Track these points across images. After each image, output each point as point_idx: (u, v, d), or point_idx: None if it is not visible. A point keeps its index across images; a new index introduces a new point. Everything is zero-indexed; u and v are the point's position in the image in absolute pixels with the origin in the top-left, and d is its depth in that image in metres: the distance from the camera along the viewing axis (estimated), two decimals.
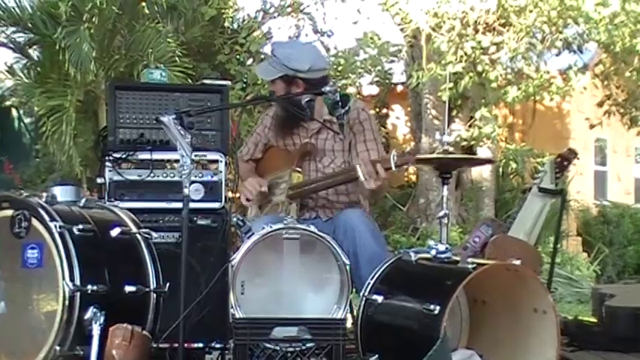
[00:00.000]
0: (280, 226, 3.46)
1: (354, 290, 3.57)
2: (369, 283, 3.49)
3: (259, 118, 4.62)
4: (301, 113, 3.92)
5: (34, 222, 3.18)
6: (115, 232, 3.31)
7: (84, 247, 3.14)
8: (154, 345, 3.28)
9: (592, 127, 10.94)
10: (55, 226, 3.11)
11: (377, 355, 3.33)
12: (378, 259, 3.67)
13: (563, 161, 4.73)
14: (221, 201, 3.97)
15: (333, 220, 3.96)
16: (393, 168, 3.56)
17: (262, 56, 9.87)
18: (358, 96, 10.72)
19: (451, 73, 8.94)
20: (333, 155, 4.08)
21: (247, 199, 4.17)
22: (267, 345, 3.29)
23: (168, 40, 8.14)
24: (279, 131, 4.18)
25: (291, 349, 3.30)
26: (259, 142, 4.34)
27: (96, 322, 3.06)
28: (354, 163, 3.93)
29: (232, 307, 3.39)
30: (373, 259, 3.65)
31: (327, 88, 3.76)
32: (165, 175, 3.96)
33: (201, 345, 3.80)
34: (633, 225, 12.03)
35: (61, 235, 3.11)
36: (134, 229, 3.40)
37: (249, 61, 10.06)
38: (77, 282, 3.06)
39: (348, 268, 3.42)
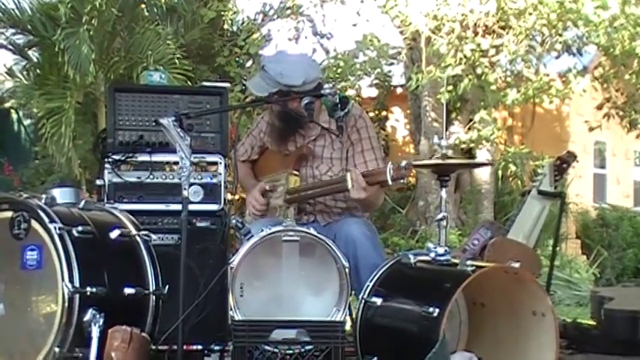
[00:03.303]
0: (279, 228, 3.46)
1: (353, 293, 3.57)
2: (367, 286, 3.50)
3: (255, 120, 4.61)
4: (301, 116, 3.91)
5: (34, 223, 3.18)
6: (114, 234, 3.32)
7: (83, 249, 3.14)
8: (153, 347, 3.29)
9: (591, 129, 10.94)
10: (55, 228, 3.12)
11: (376, 358, 3.34)
12: None
13: (563, 164, 4.73)
14: (220, 203, 3.97)
15: (332, 227, 3.94)
16: (390, 182, 3.51)
17: (261, 58, 9.86)
18: (357, 98, 10.72)
19: (450, 75, 8.94)
20: (330, 163, 4.04)
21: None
22: (266, 347, 3.29)
23: (167, 42, 8.12)
24: (275, 140, 4.16)
25: (290, 352, 3.30)
26: (255, 144, 4.32)
27: (95, 324, 3.06)
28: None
29: (231, 309, 3.40)
30: (374, 271, 3.64)
31: (327, 91, 3.76)
32: (164, 177, 3.96)
33: (200, 347, 3.81)
34: (632, 228, 12.02)
35: (61, 236, 3.11)
36: (133, 231, 3.40)
37: (249, 64, 10.05)
38: (76, 284, 3.06)
39: (347, 270, 3.43)
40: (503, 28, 9.16)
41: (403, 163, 3.46)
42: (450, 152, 3.67)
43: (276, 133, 4.12)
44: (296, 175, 3.97)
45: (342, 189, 3.75)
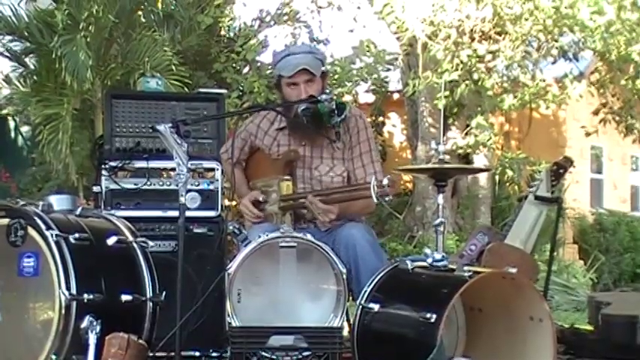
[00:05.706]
0: (277, 234, 3.46)
1: (350, 298, 3.57)
2: (365, 292, 3.49)
3: (243, 125, 4.54)
4: (301, 119, 3.89)
5: (31, 231, 3.18)
6: (111, 240, 3.31)
7: (80, 256, 3.14)
8: (151, 354, 3.29)
9: (588, 135, 10.96)
10: (52, 235, 3.12)
11: None
12: None
13: (559, 169, 4.73)
14: (217, 209, 3.98)
15: (333, 232, 3.91)
16: (375, 200, 3.39)
17: (258, 64, 9.88)
18: (354, 104, 10.71)
19: (447, 81, 8.96)
20: (331, 163, 4.01)
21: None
22: (264, 353, 3.29)
23: (164, 48, 8.11)
24: (297, 136, 4.03)
25: (288, 358, 3.30)
26: (245, 146, 4.22)
27: (92, 331, 3.06)
28: (351, 176, 3.92)
29: (229, 315, 3.39)
30: (374, 274, 3.61)
31: (323, 97, 3.75)
32: (161, 183, 3.97)
33: (197, 354, 3.81)
34: (629, 233, 12.05)
35: (57, 243, 3.11)
36: (130, 238, 3.39)
37: (246, 70, 10.06)
38: (73, 291, 3.06)
39: (344, 276, 3.42)
40: (499, 33, 9.18)
41: (385, 180, 3.33)
42: (447, 158, 3.67)
43: (301, 129, 3.98)
44: (287, 180, 3.90)
45: (362, 196, 3.56)
